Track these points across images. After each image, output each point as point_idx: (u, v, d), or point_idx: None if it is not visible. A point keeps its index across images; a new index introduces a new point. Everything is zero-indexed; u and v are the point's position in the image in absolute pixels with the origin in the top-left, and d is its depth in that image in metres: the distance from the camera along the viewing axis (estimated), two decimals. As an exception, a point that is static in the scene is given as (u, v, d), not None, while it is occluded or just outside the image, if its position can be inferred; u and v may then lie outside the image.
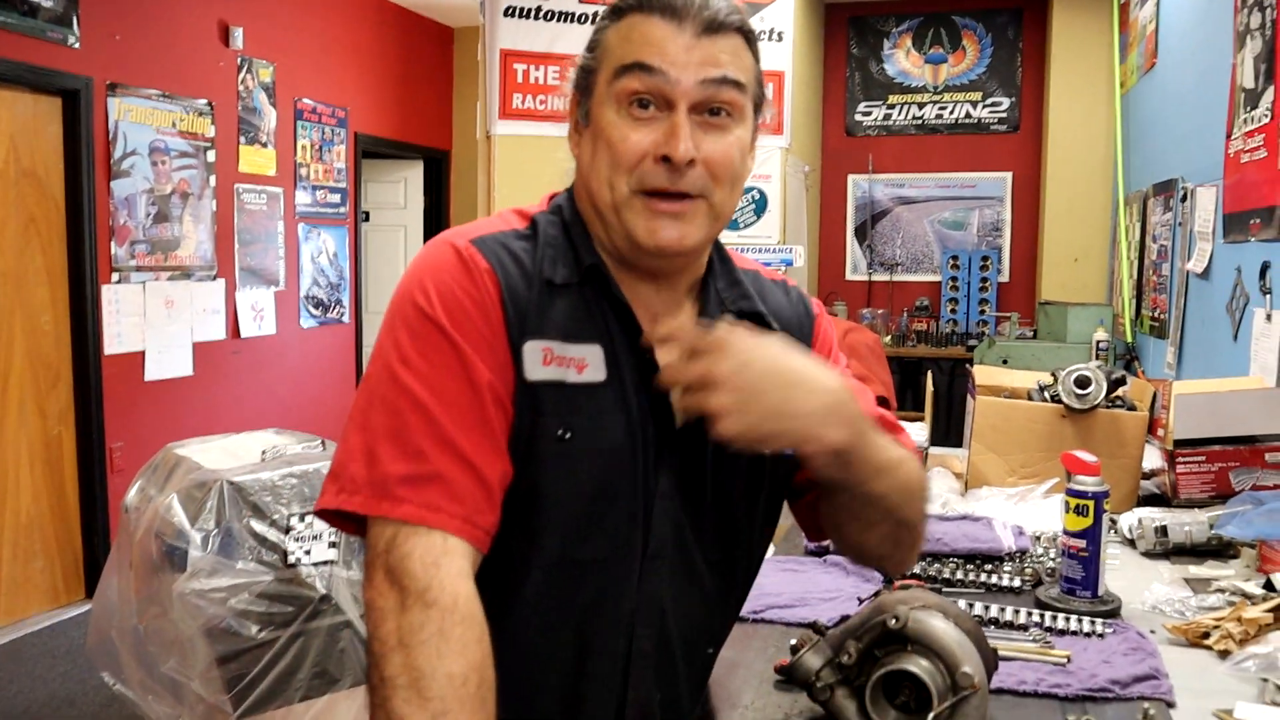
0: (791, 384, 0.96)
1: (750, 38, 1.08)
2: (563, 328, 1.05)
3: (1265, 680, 1.32)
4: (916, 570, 1.74)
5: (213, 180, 5.42)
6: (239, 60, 5.60)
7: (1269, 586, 1.57)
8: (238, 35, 5.54)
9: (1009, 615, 1.52)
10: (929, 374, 3.11)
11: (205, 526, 1.89)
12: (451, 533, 0.95)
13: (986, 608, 1.54)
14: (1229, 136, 3.36)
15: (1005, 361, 5.38)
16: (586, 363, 1.05)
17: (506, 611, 1.03)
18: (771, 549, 1.97)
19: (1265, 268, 2.89)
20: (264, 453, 2.15)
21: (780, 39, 5.10)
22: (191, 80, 5.28)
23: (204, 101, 5.33)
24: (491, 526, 1.00)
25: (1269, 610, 1.48)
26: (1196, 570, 1.84)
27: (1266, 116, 2.94)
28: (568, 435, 1.03)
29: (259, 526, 1.91)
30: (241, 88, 5.63)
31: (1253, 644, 1.41)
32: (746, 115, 1.08)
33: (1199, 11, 4.02)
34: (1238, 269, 3.19)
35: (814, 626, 1.14)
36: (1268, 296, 2.85)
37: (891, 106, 7.43)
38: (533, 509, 1.03)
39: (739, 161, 1.08)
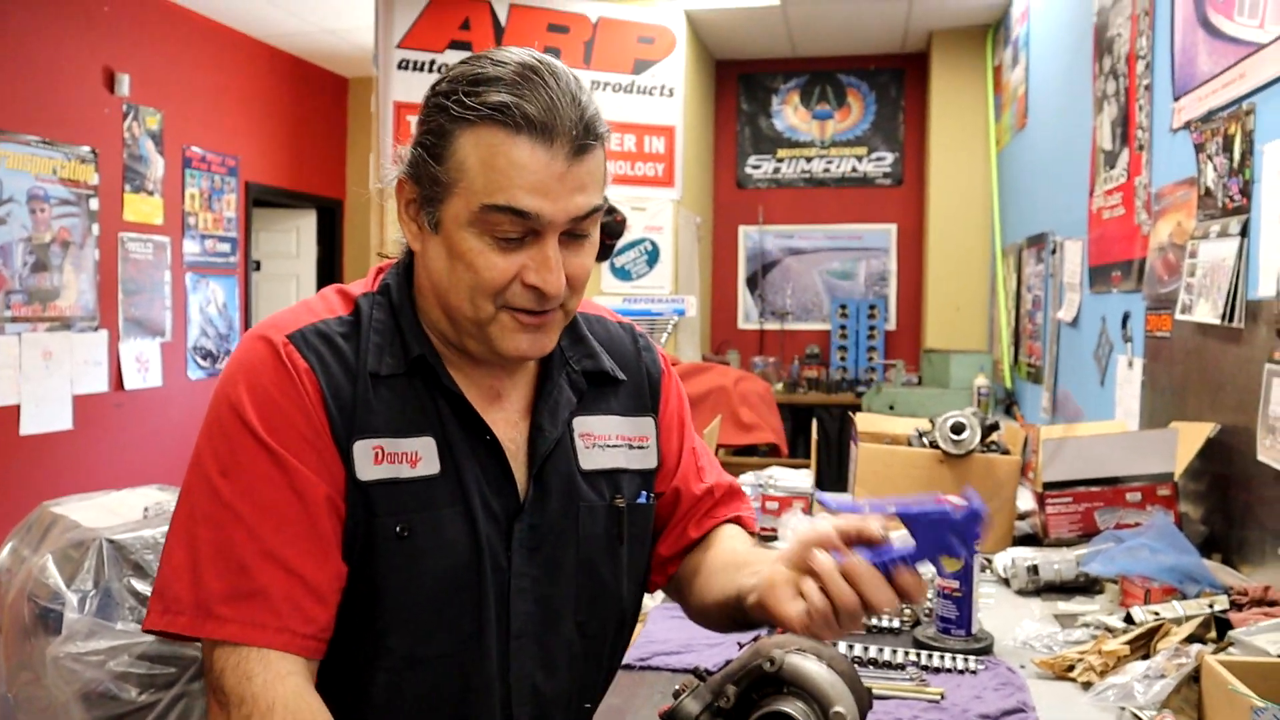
0: None
1: (605, 139, 1.03)
2: (392, 423, 1.03)
3: (1123, 709, 1.39)
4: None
5: (95, 229, 5.27)
6: (125, 107, 5.49)
7: (1128, 620, 1.66)
8: (124, 81, 5.43)
9: (887, 655, 1.58)
10: (815, 421, 3.19)
11: (82, 587, 1.81)
12: (276, 648, 0.95)
13: (866, 648, 1.59)
14: (1091, 194, 3.57)
15: (892, 407, 5.53)
16: (419, 456, 1.04)
17: (357, 714, 1.02)
18: (661, 595, 2.00)
19: (1126, 317, 3.06)
20: (146, 509, 2.09)
21: (671, 94, 5.23)
22: (74, 126, 5.15)
23: (87, 148, 5.21)
24: (322, 632, 0.99)
25: (1126, 642, 1.56)
26: (1065, 606, 1.93)
27: (1123, 176, 3.13)
28: (406, 533, 1.02)
29: (140, 586, 1.84)
30: (127, 135, 5.51)
31: (1112, 674, 1.49)
32: (600, 218, 1.05)
33: (1063, 76, 4.26)
34: (1102, 318, 3.37)
35: (696, 672, 1.17)
36: (1129, 344, 3.02)
37: (780, 160, 7.65)
38: (372, 610, 1.02)
39: (592, 264, 1.07)
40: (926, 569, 1.07)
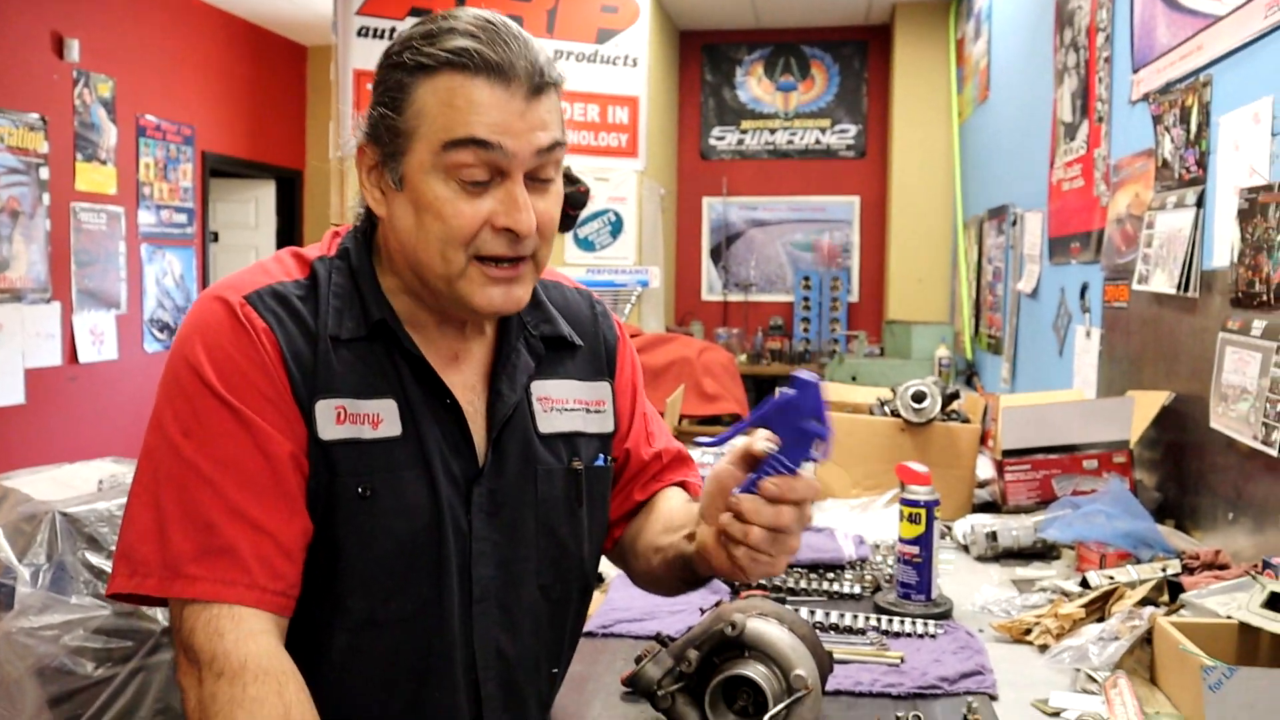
0: None
1: (560, 84, 1.06)
2: (354, 384, 1.03)
3: (1078, 670, 1.42)
4: (762, 580, 1.80)
5: (46, 198, 5.16)
6: (75, 73, 5.37)
7: (1084, 584, 1.68)
8: (73, 47, 5.30)
9: (848, 620, 1.59)
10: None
11: (35, 561, 1.79)
12: (246, 605, 0.95)
13: (827, 614, 1.61)
14: (1051, 166, 3.59)
15: (854, 378, 5.57)
16: (381, 418, 1.04)
17: (316, 674, 1.02)
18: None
19: (1084, 288, 3.09)
20: (101, 482, 2.06)
21: (635, 65, 5.18)
22: (21, 93, 5.03)
23: (36, 116, 5.09)
24: (291, 589, 0.99)
25: (1082, 606, 1.58)
26: (1023, 572, 1.95)
27: (1082, 149, 3.16)
28: (368, 493, 1.02)
29: (95, 559, 1.83)
30: (78, 102, 5.39)
31: (1068, 637, 1.51)
32: (561, 163, 1.07)
33: (1024, 49, 4.28)
34: (1061, 289, 3.40)
35: (658, 638, 1.18)
36: (1087, 315, 3.05)
37: (744, 132, 7.64)
38: (332, 570, 1.02)
39: (558, 214, 1.07)
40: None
